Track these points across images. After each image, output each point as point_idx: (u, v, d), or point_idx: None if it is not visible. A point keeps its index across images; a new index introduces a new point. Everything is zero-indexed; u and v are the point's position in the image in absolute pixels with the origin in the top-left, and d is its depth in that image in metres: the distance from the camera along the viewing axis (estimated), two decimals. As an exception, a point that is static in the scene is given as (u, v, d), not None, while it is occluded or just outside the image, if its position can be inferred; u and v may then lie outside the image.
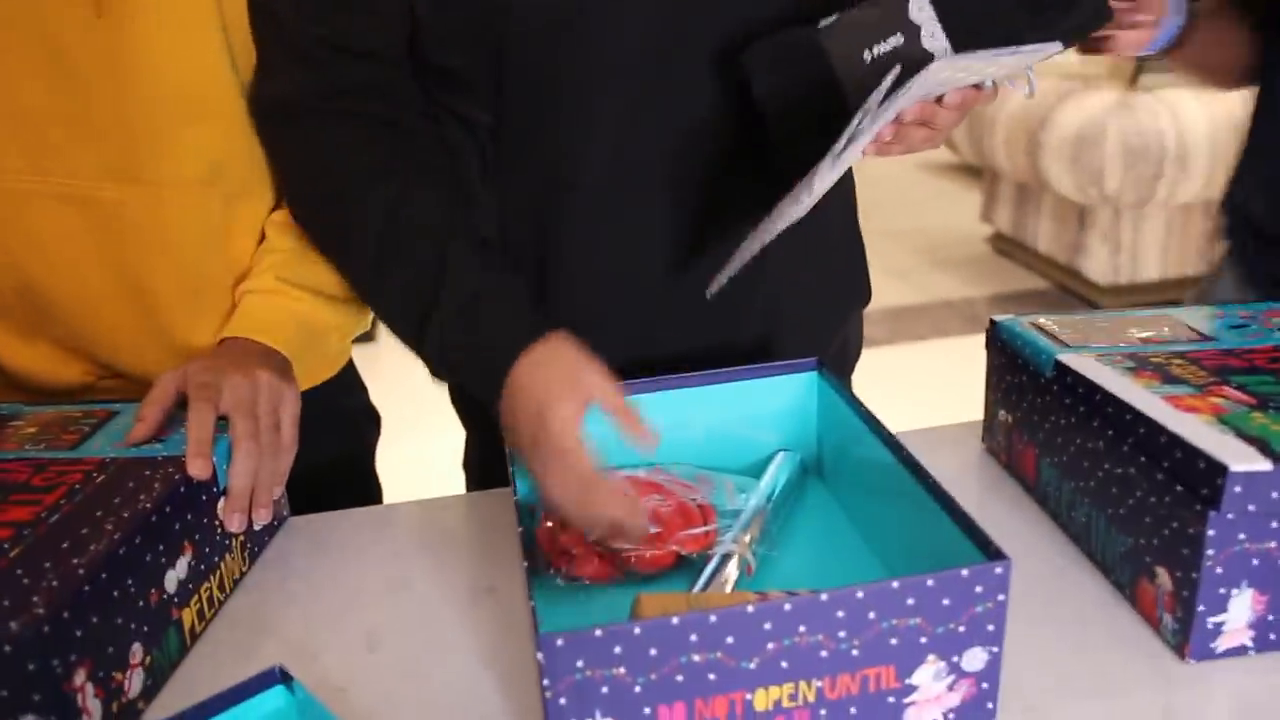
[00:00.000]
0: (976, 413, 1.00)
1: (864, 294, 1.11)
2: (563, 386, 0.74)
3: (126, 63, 0.86)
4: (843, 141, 0.75)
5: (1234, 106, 3.51)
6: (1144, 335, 0.87)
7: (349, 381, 1.11)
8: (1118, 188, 3.57)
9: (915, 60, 0.79)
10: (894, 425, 0.80)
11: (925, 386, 3.17)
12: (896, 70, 0.76)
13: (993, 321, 0.93)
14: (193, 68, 0.88)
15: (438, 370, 0.90)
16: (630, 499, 0.73)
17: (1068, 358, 0.81)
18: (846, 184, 1.06)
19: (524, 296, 0.82)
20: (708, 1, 0.86)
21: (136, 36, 0.85)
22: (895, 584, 0.60)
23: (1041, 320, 0.92)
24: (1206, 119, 3.54)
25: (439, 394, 1.09)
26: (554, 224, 0.93)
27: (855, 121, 0.75)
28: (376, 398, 1.18)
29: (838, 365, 1.12)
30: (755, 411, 0.91)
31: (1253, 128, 1.17)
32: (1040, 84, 2.85)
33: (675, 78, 0.87)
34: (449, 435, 1.18)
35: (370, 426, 1.17)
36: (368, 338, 1.12)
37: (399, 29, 0.86)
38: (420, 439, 1.77)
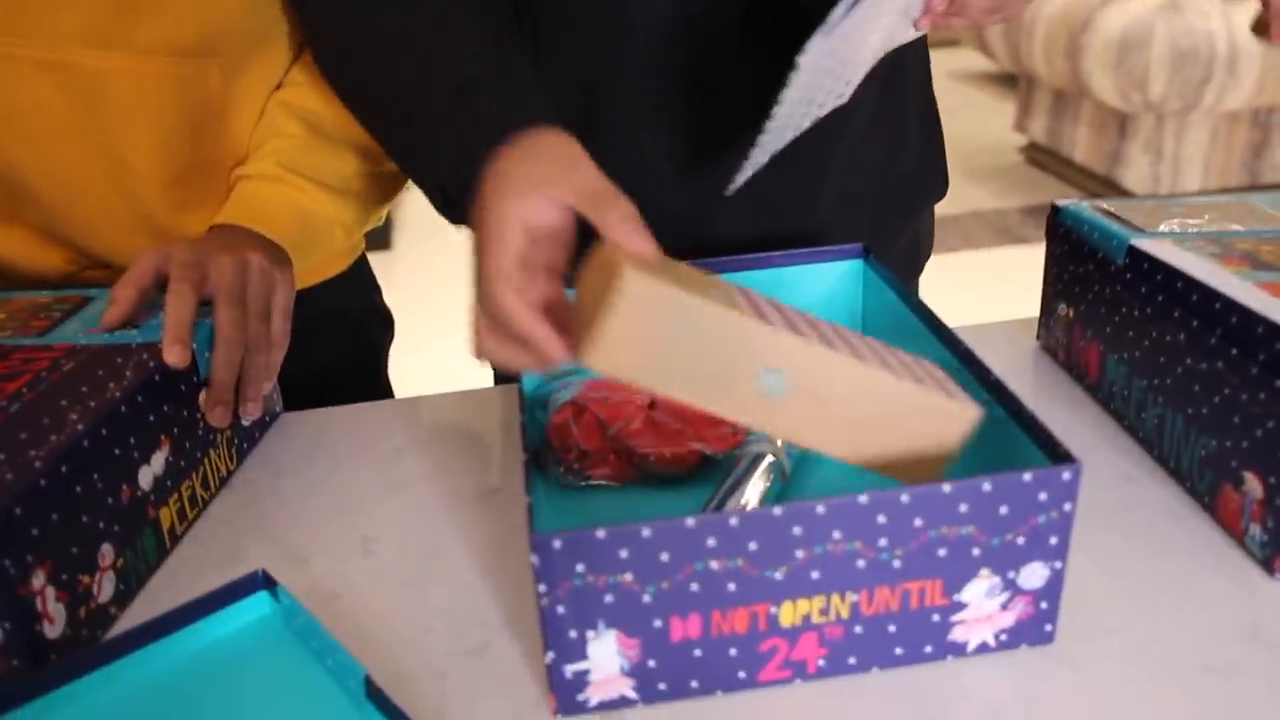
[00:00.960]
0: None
1: (940, 187, 1.02)
2: (532, 184, 0.58)
3: None
4: (842, 9, 0.65)
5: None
6: (1226, 221, 0.78)
7: (359, 280, 1.03)
8: (1162, 93, 3.42)
9: None
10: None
11: (957, 300, 3.08)
12: None
13: (1055, 206, 0.84)
14: None
15: (439, 197, 0.73)
16: (537, 344, 0.55)
17: (1143, 243, 0.72)
18: (924, 71, 0.97)
19: (523, 80, 0.67)
20: None
21: None
22: (946, 487, 0.52)
23: (1107, 204, 0.82)
24: (1259, 20, 3.36)
25: (458, 302, 1.01)
26: (598, 104, 0.84)
27: None
28: (393, 306, 1.10)
29: (908, 262, 1.03)
30: (799, 299, 0.83)
31: None
32: None
33: None
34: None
35: (381, 328, 1.09)
36: (384, 245, 1.04)
37: None
38: (439, 348, 1.70)
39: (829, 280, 0.83)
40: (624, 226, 0.55)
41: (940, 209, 1.15)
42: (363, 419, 0.85)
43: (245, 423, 0.79)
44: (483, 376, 0.99)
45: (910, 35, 0.78)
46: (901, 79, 0.93)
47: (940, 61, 5.21)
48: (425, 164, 0.70)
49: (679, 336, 0.53)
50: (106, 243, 0.88)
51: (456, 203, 0.65)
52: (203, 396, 0.74)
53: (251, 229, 0.82)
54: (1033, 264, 3.21)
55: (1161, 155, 3.61)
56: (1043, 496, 0.53)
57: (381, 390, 1.11)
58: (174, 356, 0.69)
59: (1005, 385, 0.61)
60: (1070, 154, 3.99)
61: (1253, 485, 0.62)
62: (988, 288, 3.22)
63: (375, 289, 1.09)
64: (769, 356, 0.55)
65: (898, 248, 0.98)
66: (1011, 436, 0.59)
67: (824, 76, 0.70)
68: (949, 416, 0.58)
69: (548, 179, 0.58)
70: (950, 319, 0.74)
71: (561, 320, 0.56)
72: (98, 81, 0.80)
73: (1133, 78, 3.42)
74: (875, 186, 0.93)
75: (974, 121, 5.00)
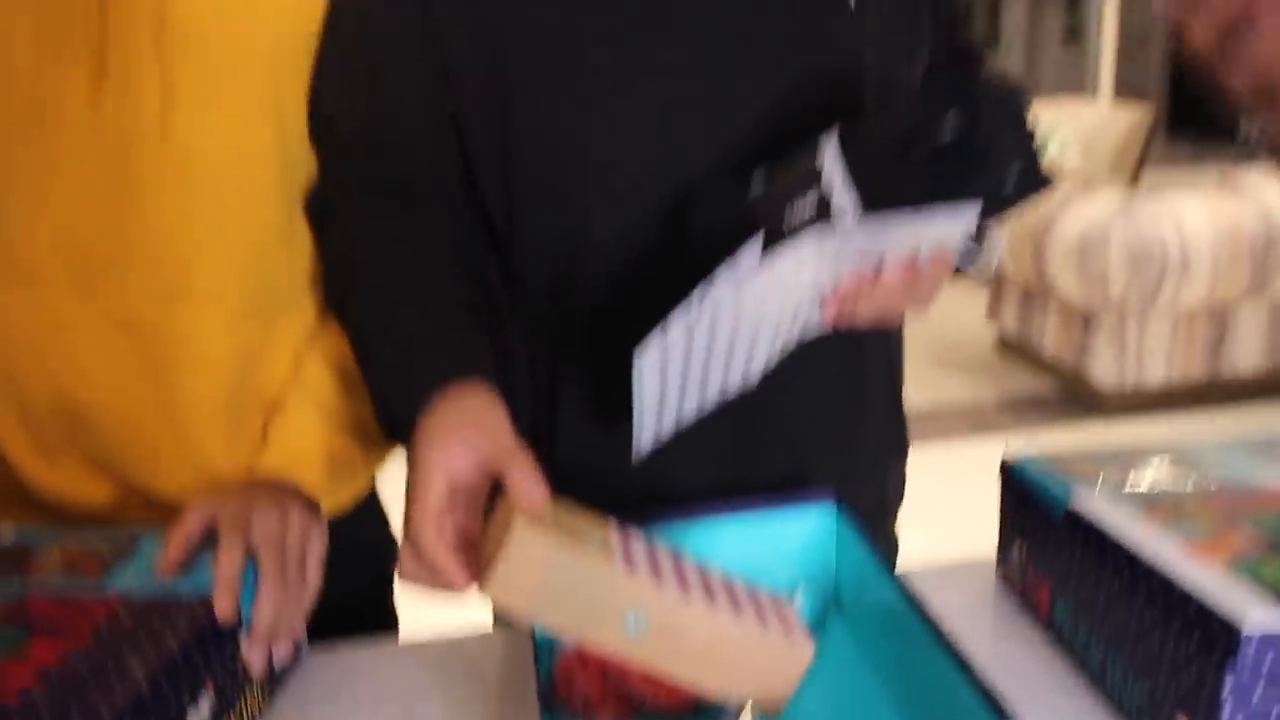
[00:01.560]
0: (987, 524, 1.00)
1: (901, 447, 1.10)
2: (451, 435, 0.73)
3: (187, 187, 0.90)
4: (695, 306, 0.74)
5: (1236, 211, 3.58)
6: (1157, 470, 0.88)
7: (372, 513, 1.12)
8: (1122, 292, 3.61)
9: (827, 218, 0.76)
10: (908, 538, 0.81)
11: (935, 496, 3.17)
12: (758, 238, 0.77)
13: (1003, 462, 0.94)
14: (250, 192, 0.92)
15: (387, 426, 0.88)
16: (447, 576, 0.70)
17: (1079, 504, 0.82)
18: (890, 342, 1.05)
19: (467, 337, 0.83)
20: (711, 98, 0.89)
21: (200, 162, 0.89)
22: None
23: (1052, 453, 0.93)
24: (1208, 224, 3.59)
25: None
26: (559, 370, 0.97)
27: (701, 293, 0.74)
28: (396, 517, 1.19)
29: (875, 513, 1.08)
30: (774, 545, 0.92)
31: None
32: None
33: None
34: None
35: (390, 557, 1.17)
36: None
37: (427, 111, 0.91)
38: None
39: (804, 527, 0.92)
40: (522, 483, 0.69)
41: (917, 400, 1.23)
42: (381, 658, 0.92)
43: (277, 666, 0.87)
44: (483, 614, 1.07)
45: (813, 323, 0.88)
46: (859, 356, 1.01)
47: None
48: (379, 398, 0.86)
49: (560, 582, 0.67)
50: (154, 475, 0.97)
51: (400, 436, 0.80)
52: (244, 641, 0.82)
53: (289, 480, 0.92)
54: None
55: (1125, 349, 3.78)
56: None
57: (388, 615, 1.18)
58: (225, 611, 0.78)
59: (955, 645, 0.70)
60: (1040, 345, 4.17)
61: (1182, 729, 0.70)
62: (965, 482, 3.32)
63: (385, 520, 1.17)
64: (633, 600, 0.68)
65: (864, 502, 1.07)
66: (966, 695, 0.67)
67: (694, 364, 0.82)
68: (787, 655, 0.71)
69: (463, 434, 0.73)
70: (928, 516, 0.83)
71: (474, 552, 0.71)
72: (157, 332, 0.92)
73: (1093, 277, 3.62)
74: (833, 445, 1.01)
75: (947, 312, 5.20)
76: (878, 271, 0.82)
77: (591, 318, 0.94)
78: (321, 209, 0.95)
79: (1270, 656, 0.65)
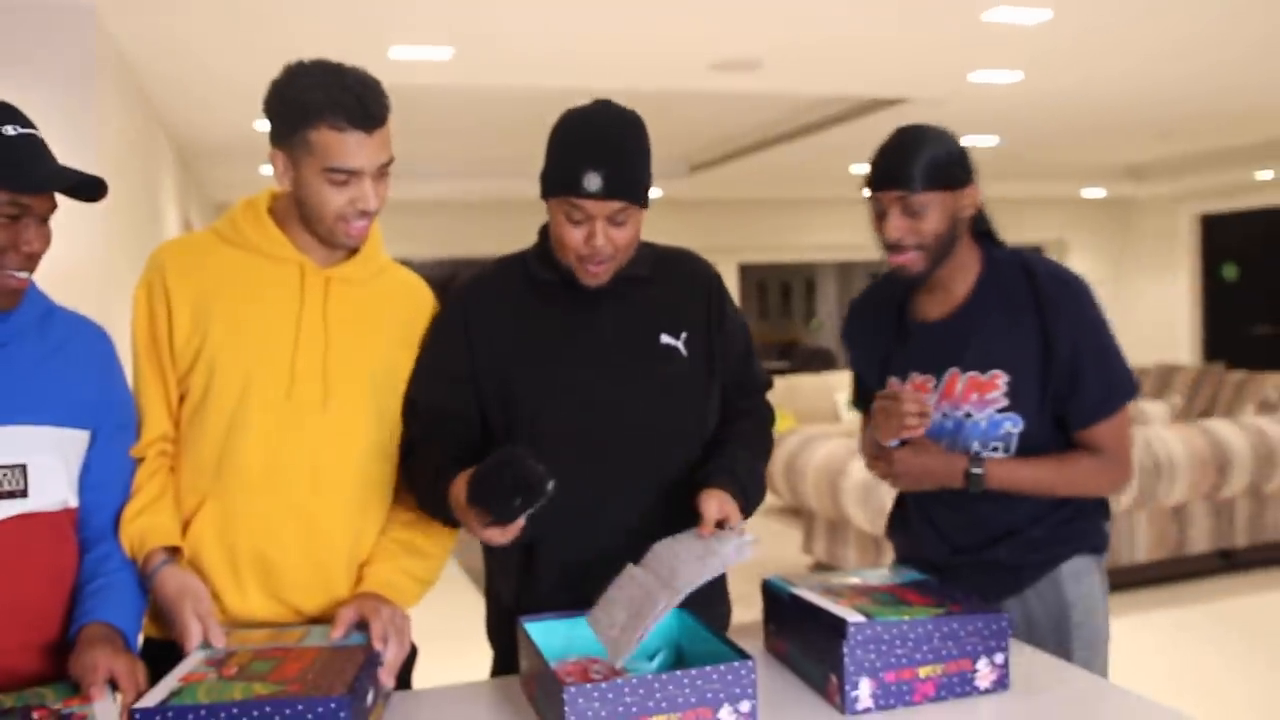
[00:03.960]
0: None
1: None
2: None
3: (334, 437, 1.75)
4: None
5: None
6: (837, 582, 1.77)
7: None
8: (899, 521, 4.61)
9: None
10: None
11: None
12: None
13: (763, 581, 1.81)
14: (364, 442, 1.78)
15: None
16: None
17: (796, 592, 1.70)
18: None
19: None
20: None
21: (341, 427, 1.75)
22: None
23: (783, 575, 1.81)
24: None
25: (471, 625, 1.88)
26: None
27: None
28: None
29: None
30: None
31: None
32: (836, 443, 4.26)
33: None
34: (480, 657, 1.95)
35: (411, 659, 1.93)
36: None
37: (460, 403, 1.80)
38: (453, 666, 2.29)
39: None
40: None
41: (746, 617, 2.03)
42: (427, 699, 1.69)
43: (387, 685, 1.63)
44: (480, 669, 1.85)
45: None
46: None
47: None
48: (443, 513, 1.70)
49: None
50: (307, 601, 1.74)
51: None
52: (380, 672, 1.59)
53: (385, 594, 1.72)
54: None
55: (908, 568, 4.74)
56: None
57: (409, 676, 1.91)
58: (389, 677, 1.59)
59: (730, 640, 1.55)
60: (845, 568, 5.09)
61: (833, 679, 1.56)
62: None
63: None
64: None
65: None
66: (723, 650, 1.51)
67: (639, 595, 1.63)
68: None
69: None
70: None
71: None
72: (317, 515, 1.76)
73: (877, 510, 4.62)
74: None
75: (771, 545, 6.12)
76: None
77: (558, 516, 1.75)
78: (406, 451, 1.82)
79: (861, 637, 1.52)
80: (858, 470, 4.74)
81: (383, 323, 1.81)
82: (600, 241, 1.71)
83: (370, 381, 1.78)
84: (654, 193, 8.04)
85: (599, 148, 1.69)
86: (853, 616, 1.54)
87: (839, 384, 9.23)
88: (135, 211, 4.71)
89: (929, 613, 1.58)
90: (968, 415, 1.88)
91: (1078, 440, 1.87)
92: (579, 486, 1.69)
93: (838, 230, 11.19)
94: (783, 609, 1.73)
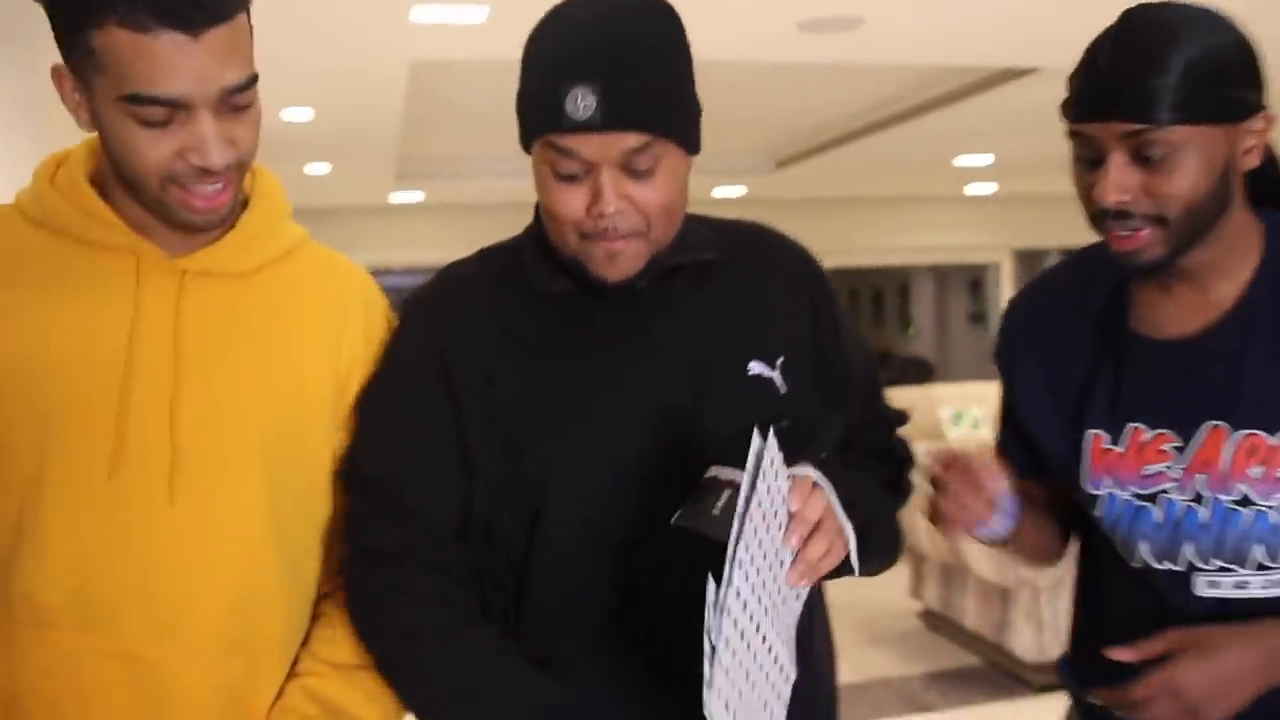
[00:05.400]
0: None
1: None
2: None
3: (185, 544, 1.05)
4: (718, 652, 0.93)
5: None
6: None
7: None
8: (1034, 571, 3.82)
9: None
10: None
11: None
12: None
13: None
14: (243, 550, 1.08)
15: None
16: None
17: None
18: (825, 625, 1.24)
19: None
20: None
21: (205, 524, 1.06)
22: None
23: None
24: (1105, 507, 3.86)
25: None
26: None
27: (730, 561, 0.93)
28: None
29: None
30: None
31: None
32: None
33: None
34: None
35: None
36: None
37: (456, 495, 1.12)
38: None
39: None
40: None
41: (847, 675, 1.36)
42: None
43: None
44: None
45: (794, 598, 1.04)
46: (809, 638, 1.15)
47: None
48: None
49: None
50: None
51: None
52: None
53: None
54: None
55: (1043, 624, 3.95)
56: None
57: None
58: None
59: None
60: (962, 620, 4.32)
61: None
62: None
63: None
64: None
65: None
66: None
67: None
68: None
69: None
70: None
71: None
72: (155, 670, 1.05)
73: (1006, 558, 3.84)
74: None
75: (872, 586, 5.36)
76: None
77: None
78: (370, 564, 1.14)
79: None
80: (980, 508, 3.96)
81: (283, 340, 1.13)
82: (610, 204, 1.03)
83: (259, 442, 1.10)
84: (735, 190, 7.21)
85: (588, 51, 1.03)
86: None
87: (942, 397, 8.42)
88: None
89: None
90: (1244, 502, 1.12)
91: None
92: (629, 618, 1.12)
93: (936, 231, 10.33)
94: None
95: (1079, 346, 1.23)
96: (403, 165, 7.21)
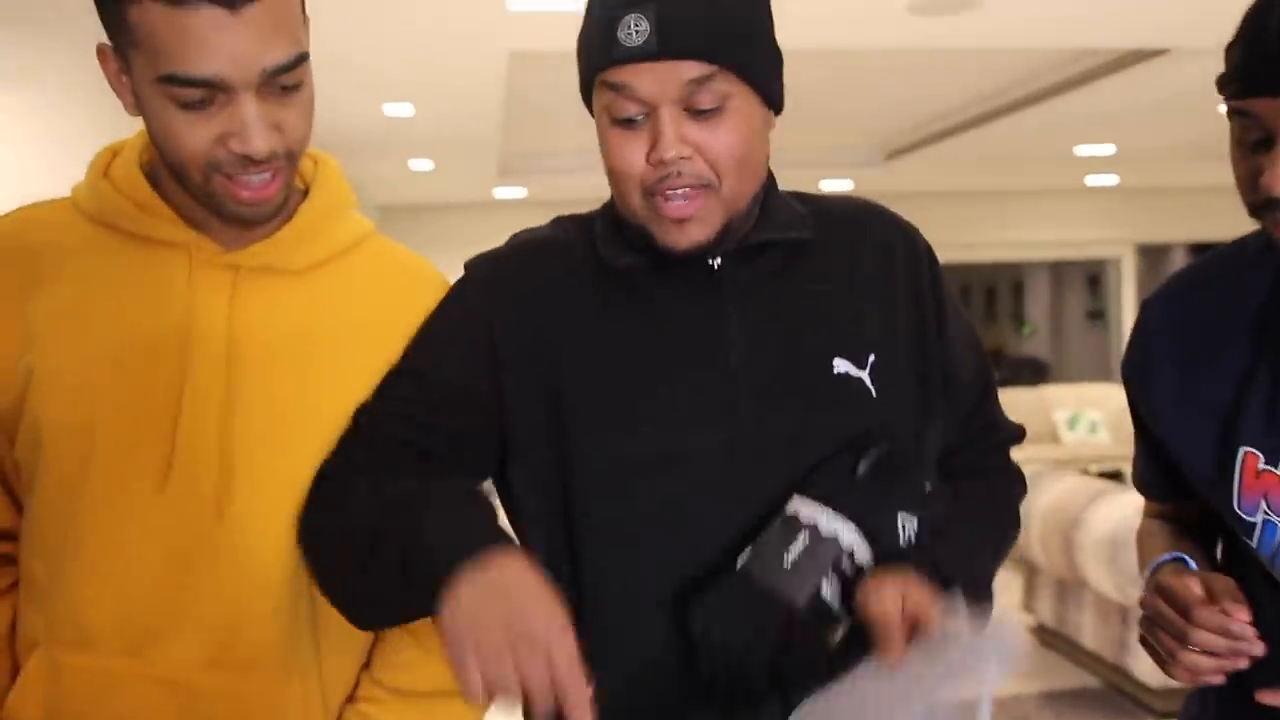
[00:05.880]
0: None
1: None
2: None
3: (234, 564, 0.97)
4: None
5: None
6: None
7: None
8: (1158, 589, 3.57)
9: (824, 545, 0.90)
10: None
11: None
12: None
13: None
14: (288, 574, 1.00)
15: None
16: None
17: None
18: None
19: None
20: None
21: (254, 544, 0.98)
22: None
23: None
24: (1239, 522, 3.59)
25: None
26: None
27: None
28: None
29: None
30: None
31: None
32: (1070, 482, 3.01)
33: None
34: None
35: None
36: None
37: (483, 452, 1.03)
38: None
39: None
40: None
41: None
42: None
43: None
44: None
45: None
46: None
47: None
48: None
49: None
50: None
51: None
52: None
53: None
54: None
55: (1168, 646, 3.69)
56: None
57: None
58: None
59: None
60: (1078, 638, 4.08)
61: None
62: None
63: None
64: None
65: None
66: None
67: None
68: None
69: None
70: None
71: None
72: (209, 699, 0.98)
73: (1127, 575, 3.59)
74: None
75: (983, 597, 5.13)
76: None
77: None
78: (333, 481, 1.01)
79: None
80: (1099, 522, 3.72)
81: (343, 344, 1.04)
82: (670, 147, 0.93)
83: (314, 456, 1.01)
84: (843, 184, 7.03)
85: None
86: None
87: (1057, 399, 8.08)
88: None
89: None
90: None
91: None
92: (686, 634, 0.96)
93: (1054, 225, 9.94)
94: None
95: (1230, 351, 1.07)
96: (505, 161, 7.20)
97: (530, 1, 3.60)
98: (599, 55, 0.95)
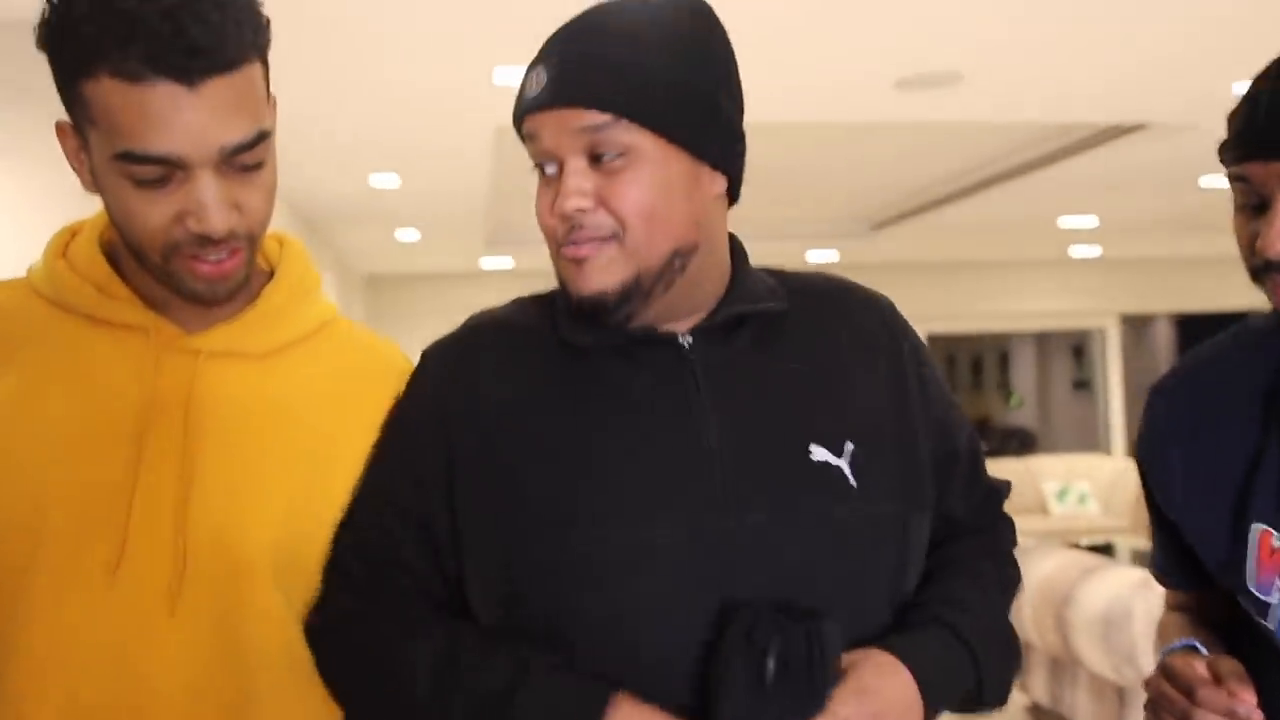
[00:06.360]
0: None
1: None
2: None
3: (194, 661, 0.93)
4: None
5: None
6: None
7: None
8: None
9: None
10: None
11: None
12: None
13: None
14: (257, 663, 0.96)
15: None
16: None
17: None
18: None
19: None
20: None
21: (207, 638, 0.94)
22: None
23: None
24: (1234, 599, 3.54)
25: None
26: None
27: None
28: None
29: None
30: None
31: None
32: (1061, 558, 2.95)
33: None
34: None
35: None
36: None
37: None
38: None
39: None
40: None
41: None
42: None
43: None
44: None
45: None
46: None
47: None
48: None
49: None
50: None
51: None
52: None
53: None
54: None
55: (1165, 727, 3.62)
56: None
57: None
58: None
59: None
60: (1073, 718, 3.99)
61: None
62: None
63: None
64: None
65: None
66: None
67: None
68: None
69: None
70: None
71: None
72: None
73: (1121, 653, 3.53)
74: None
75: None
76: None
77: None
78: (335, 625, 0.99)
79: None
80: (1092, 599, 3.66)
81: (305, 432, 1.01)
82: (567, 199, 0.91)
83: (271, 547, 0.97)
84: (828, 255, 7.11)
85: (561, 32, 0.95)
86: None
87: (1046, 471, 8.05)
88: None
89: None
90: None
91: None
92: None
93: (1038, 295, 10.02)
94: None
95: (1240, 427, 1.05)
96: (492, 231, 7.22)
97: (516, 76, 3.63)
98: (516, 108, 0.95)
